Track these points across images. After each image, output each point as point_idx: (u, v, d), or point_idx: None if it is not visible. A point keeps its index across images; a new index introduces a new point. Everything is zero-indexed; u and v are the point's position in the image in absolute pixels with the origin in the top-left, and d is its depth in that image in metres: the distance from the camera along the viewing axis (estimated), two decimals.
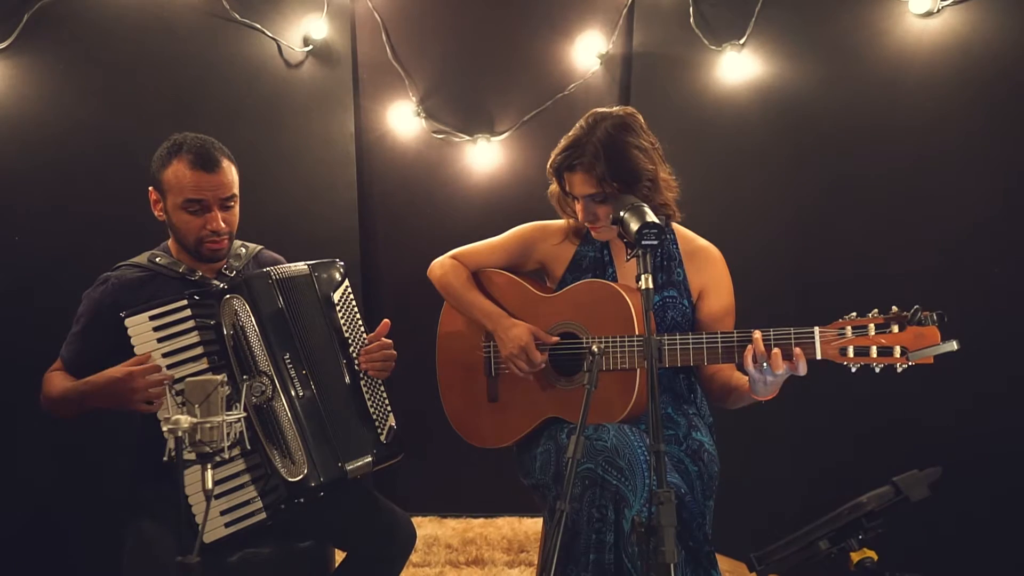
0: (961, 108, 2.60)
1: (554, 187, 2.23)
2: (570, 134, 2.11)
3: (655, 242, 1.65)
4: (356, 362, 2.13)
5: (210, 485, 1.53)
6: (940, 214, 2.64)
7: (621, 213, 1.77)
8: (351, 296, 2.20)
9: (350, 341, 2.14)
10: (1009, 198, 2.53)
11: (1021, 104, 2.52)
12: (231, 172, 2.10)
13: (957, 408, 2.58)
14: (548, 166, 2.16)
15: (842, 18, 2.82)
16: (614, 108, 2.11)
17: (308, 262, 2.15)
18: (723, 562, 2.82)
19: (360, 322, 2.19)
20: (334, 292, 2.15)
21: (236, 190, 2.12)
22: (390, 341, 2.16)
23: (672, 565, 1.40)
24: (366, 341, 2.16)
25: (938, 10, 2.61)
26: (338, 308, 2.15)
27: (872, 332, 1.78)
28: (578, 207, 2.11)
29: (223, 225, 2.08)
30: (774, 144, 2.98)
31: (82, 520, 2.78)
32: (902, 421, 2.67)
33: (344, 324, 2.15)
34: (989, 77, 2.55)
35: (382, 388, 2.17)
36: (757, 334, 1.86)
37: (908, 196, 2.68)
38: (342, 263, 2.21)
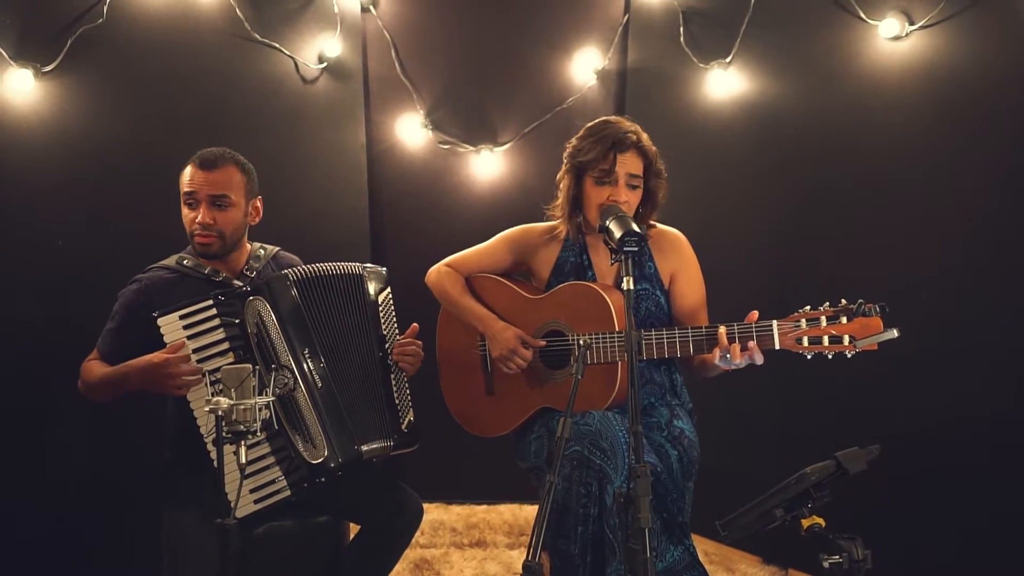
0: (927, 124, 2.70)
1: (566, 181, 2.29)
2: (603, 127, 2.21)
3: (636, 249, 1.79)
4: (390, 356, 2.29)
5: (244, 460, 1.71)
6: (908, 223, 2.74)
7: (607, 222, 1.91)
8: (391, 299, 2.36)
9: (386, 337, 2.31)
10: (972, 207, 2.63)
11: (982, 120, 2.61)
12: (230, 175, 2.21)
13: (935, 401, 2.65)
14: (576, 151, 2.23)
15: (819, 40, 2.92)
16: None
17: (362, 264, 2.32)
18: (708, 544, 2.99)
19: (396, 322, 2.35)
20: (379, 294, 2.32)
21: (233, 194, 2.20)
22: (420, 341, 2.32)
23: (647, 529, 1.55)
24: (399, 339, 2.32)
25: (906, 34, 2.72)
26: (380, 307, 2.31)
27: (823, 323, 1.93)
28: (613, 190, 2.18)
29: (209, 219, 2.17)
30: (756, 156, 3.07)
31: (102, 522, 2.87)
32: (880, 415, 2.74)
33: (383, 322, 2.31)
34: (953, 96, 2.65)
35: (407, 384, 2.33)
36: (722, 329, 2.01)
37: (879, 206, 2.78)
38: (385, 269, 2.37)
